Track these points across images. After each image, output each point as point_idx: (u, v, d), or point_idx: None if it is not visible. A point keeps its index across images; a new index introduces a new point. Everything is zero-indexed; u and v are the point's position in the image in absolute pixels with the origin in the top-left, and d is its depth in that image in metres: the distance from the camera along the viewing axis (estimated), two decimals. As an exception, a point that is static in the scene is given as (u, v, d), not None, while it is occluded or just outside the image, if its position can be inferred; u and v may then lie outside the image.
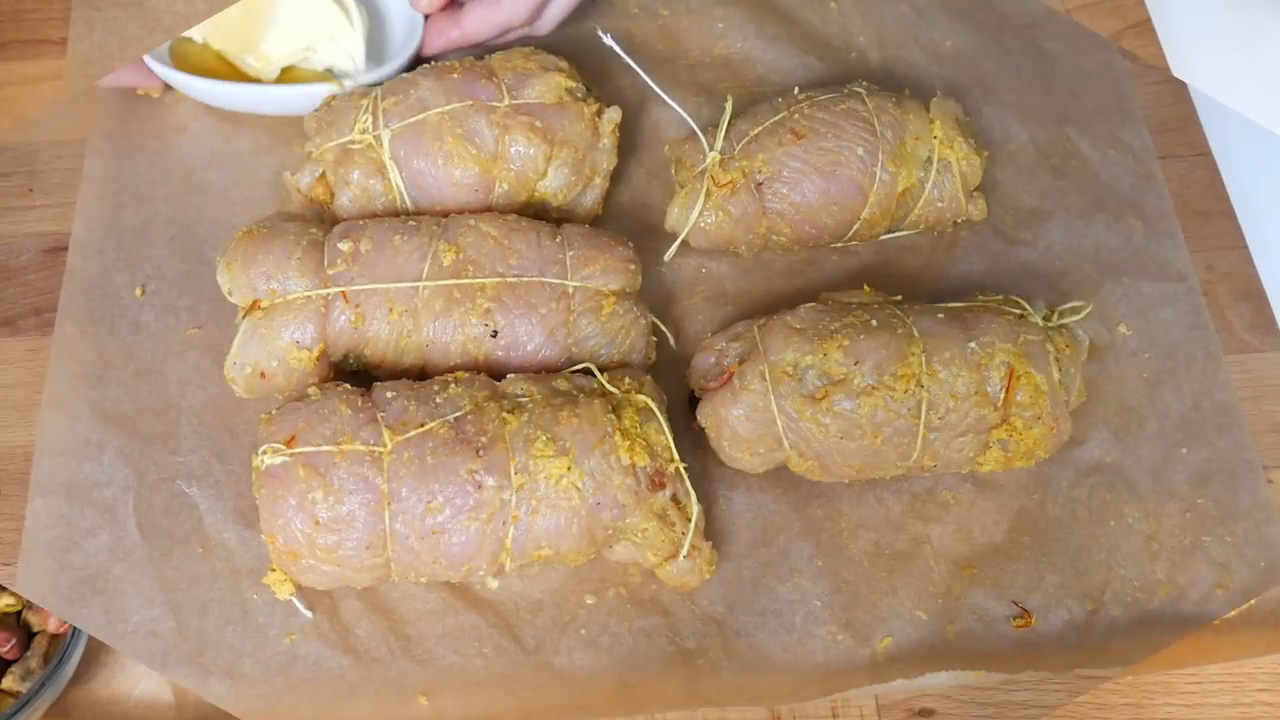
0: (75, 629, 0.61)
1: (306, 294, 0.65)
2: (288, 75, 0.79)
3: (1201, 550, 0.65)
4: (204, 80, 0.76)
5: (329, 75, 0.79)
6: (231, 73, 0.79)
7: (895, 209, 0.73)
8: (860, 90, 0.73)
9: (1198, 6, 0.87)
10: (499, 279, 0.66)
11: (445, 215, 0.70)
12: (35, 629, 0.62)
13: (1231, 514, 0.66)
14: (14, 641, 0.61)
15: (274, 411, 0.61)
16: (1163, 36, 0.85)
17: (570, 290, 0.66)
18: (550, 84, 0.72)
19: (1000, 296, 0.68)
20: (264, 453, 0.59)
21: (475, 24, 0.78)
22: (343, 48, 0.78)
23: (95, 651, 0.62)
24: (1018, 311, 0.66)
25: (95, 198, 0.76)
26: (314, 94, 0.75)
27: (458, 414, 0.60)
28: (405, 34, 0.81)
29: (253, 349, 0.65)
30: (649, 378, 0.65)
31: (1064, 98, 0.81)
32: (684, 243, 0.73)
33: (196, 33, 0.79)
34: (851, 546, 0.65)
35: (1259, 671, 0.62)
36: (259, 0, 0.78)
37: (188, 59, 0.79)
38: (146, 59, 0.75)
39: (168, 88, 0.79)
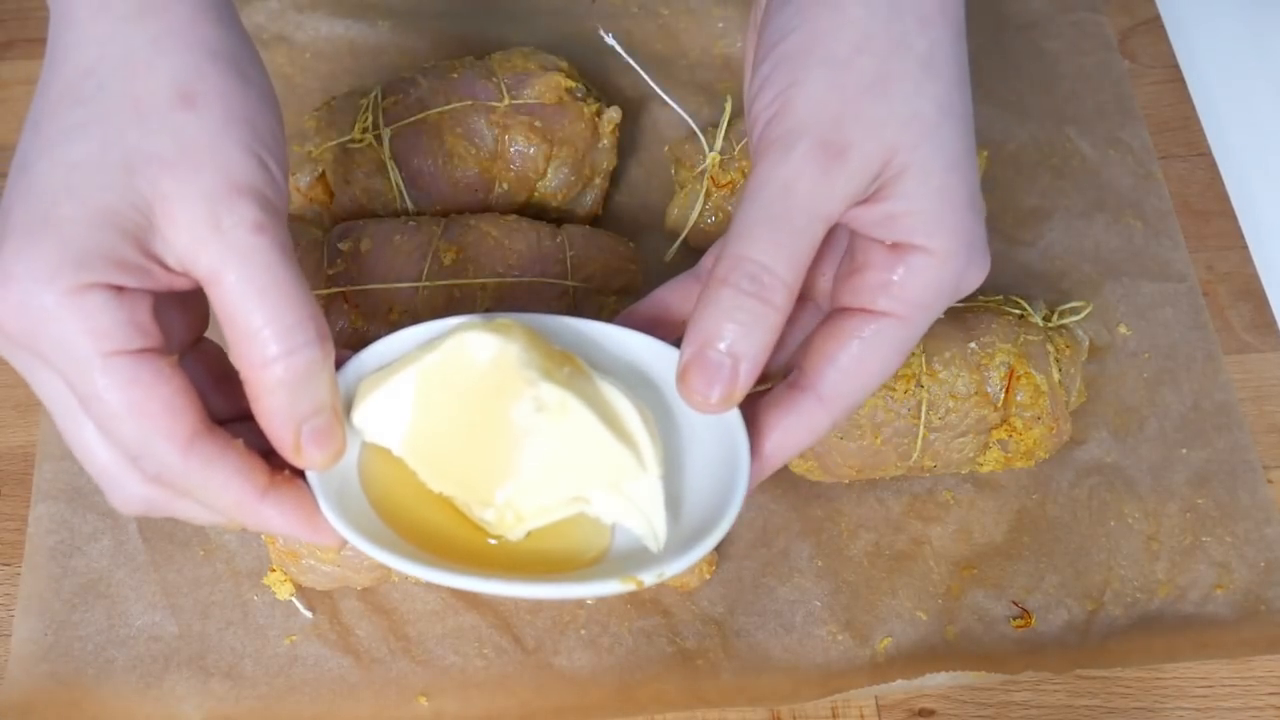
0: None
1: (306, 295, 0.65)
2: (541, 536, 0.48)
3: (1201, 550, 0.65)
4: (421, 567, 0.44)
5: (604, 531, 0.48)
6: (455, 521, 0.48)
7: (895, 209, 0.73)
8: (860, 90, 0.73)
9: (1209, 3, 0.87)
10: (499, 279, 0.66)
11: (445, 215, 0.70)
12: None
13: (1231, 514, 0.66)
14: None
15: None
16: (1172, 34, 0.85)
17: (571, 290, 0.66)
18: (550, 84, 0.72)
19: (1000, 297, 0.68)
20: (264, 454, 0.58)
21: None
22: (629, 497, 0.46)
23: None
24: (1018, 312, 0.66)
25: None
26: (586, 594, 0.45)
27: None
28: (719, 454, 0.48)
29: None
30: (649, 379, 0.64)
31: (1064, 98, 0.81)
32: (684, 243, 0.73)
33: (395, 442, 0.47)
34: (851, 547, 0.65)
35: (1270, 675, 0.62)
36: (499, 421, 0.46)
37: (376, 481, 0.47)
38: (331, 515, 0.44)
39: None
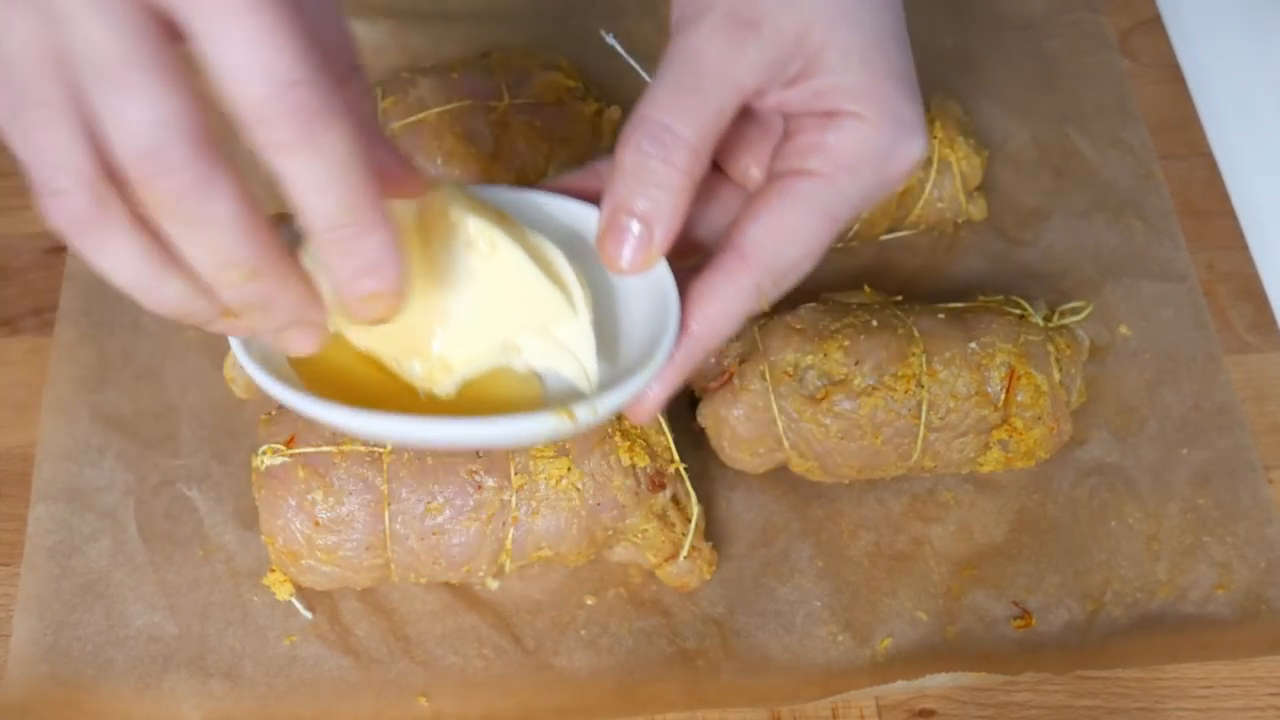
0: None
1: (306, 295, 0.65)
2: (473, 390, 0.48)
3: (1202, 550, 0.65)
4: (343, 410, 0.43)
5: (535, 382, 0.49)
6: (381, 381, 0.47)
7: (895, 209, 0.73)
8: (860, 90, 0.73)
9: (1209, 3, 0.87)
10: (499, 279, 0.66)
11: (445, 216, 0.70)
12: None
13: (1232, 514, 0.66)
14: None
15: (274, 412, 0.61)
16: (1172, 34, 0.85)
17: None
18: (550, 83, 0.72)
19: (1001, 297, 0.68)
20: (263, 453, 0.59)
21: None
22: (560, 342, 0.47)
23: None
24: (1018, 312, 0.66)
25: (95, 198, 0.75)
26: (522, 432, 0.45)
27: (458, 415, 0.59)
28: (651, 315, 0.49)
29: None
30: (649, 378, 0.64)
31: (1064, 98, 0.81)
32: (684, 243, 0.73)
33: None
34: (852, 547, 0.65)
35: (1271, 675, 0.62)
36: (426, 268, 0.45)
37: (310, 359, 0.45)
38: (242, 357, 0.45)
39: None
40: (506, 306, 0.46)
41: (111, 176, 0.37)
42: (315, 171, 0.37)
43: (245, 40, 0.35)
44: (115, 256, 0.39)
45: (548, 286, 0.45)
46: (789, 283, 0.49)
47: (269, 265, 0.39)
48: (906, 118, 0.47)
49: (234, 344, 0.44)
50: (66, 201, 0.38)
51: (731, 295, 0.47)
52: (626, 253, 0.46)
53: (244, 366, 0.44)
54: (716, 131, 0.45)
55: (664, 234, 0.45)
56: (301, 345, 0.43)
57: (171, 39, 0.36)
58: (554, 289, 0.46)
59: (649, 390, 0.47)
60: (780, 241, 0.47)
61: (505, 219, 0.46)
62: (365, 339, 0.46)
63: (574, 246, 0.48)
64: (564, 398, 0.47)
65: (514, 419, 0.44)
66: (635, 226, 0.45)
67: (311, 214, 0.38)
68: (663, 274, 0.47)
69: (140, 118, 0.36)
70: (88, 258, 0.40)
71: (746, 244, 0.47)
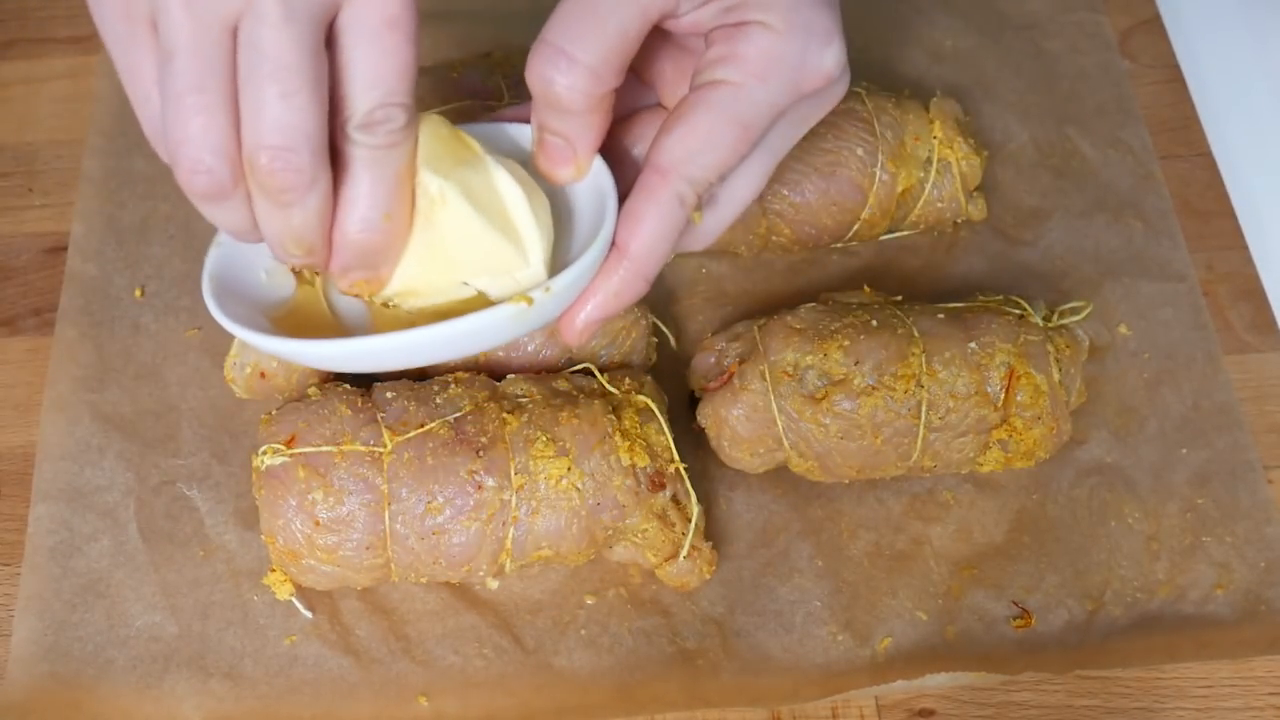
0: None
1: (306, 295, 0.65)
2: (433, 313, 0.51)
3: (1202, 550, 0.65)
4: (309, 343, 0.48)
5: (489, 299, 0.51)
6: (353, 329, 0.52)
7: (895, 209, 0.73)
8: (859, 90, 0.73)
9: (1209, 3, 0.87)
10: (499, 279, 0.66)
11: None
12: None
13: (1231, 514, 0.66)
14: None
15: (274, 412, 0.61)
16: (1172, 34, 0.85)
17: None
18: (550, 84, 0.72)
19: (1000, 297, 0.68)
20: (264, 453, 0.59)
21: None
22: (516, 281, 0.49)
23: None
24: (1018, 312, 0.66)
25: (94, 197, 0.75)
26: (485, 325, 0.48)
27: (458, 414, 0.60)
28: (593, 215, 0.52)
29: (252, 349, 0.65)
30: (649, 378, 0.65)
31: (1064, 98, 0.81)
32: (684, 243, 0.73)
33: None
34: (851, 547, 0.65)
35: (1270, 675, 0.62)
36: None
37: (287, 314, 0.53)
38: (208, 299, 0.50)
39: None
40: (459, 253, 0.49)
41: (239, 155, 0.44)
42: (372, 180, 0.46)
43: (383, 53, 0.44)
44: (228, 216, 0.46)
45: (496, 239, 0.48)
46: (717, 198, 0.51)
47: (323, 248, 0.47)
48: (817, 26, 0.48)
49: (207, 295, 0.50)
50: (210, 178, 0.44)
51: (655, 211, 0.49)
52: (554, 167, 0.51)
53: (211, 310, 0.49)
54: (620, 51, 0.47)
55: (585, 147, 0.50)
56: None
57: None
58: (505, 242, 0.49)
59: (583, 310, 0.50)
60: (693, 150, 0.48)
61: (472, 161, 0.49)
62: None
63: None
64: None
65: (475, 315, 0.47)
66: (557, 142, 0.50)
67: (345, 220, 0.46)
68: (602, 177, 0.51)
69: (286, 120, 0.42)
70: (208, 216, 0.47)
71: (663, 158, 0.49)
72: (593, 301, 0.50)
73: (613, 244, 0.50)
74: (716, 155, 0.49)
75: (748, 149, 0.49)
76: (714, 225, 0.53)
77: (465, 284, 0.50)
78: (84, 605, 0.63)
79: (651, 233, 0.49)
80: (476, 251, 0.48)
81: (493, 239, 0.48)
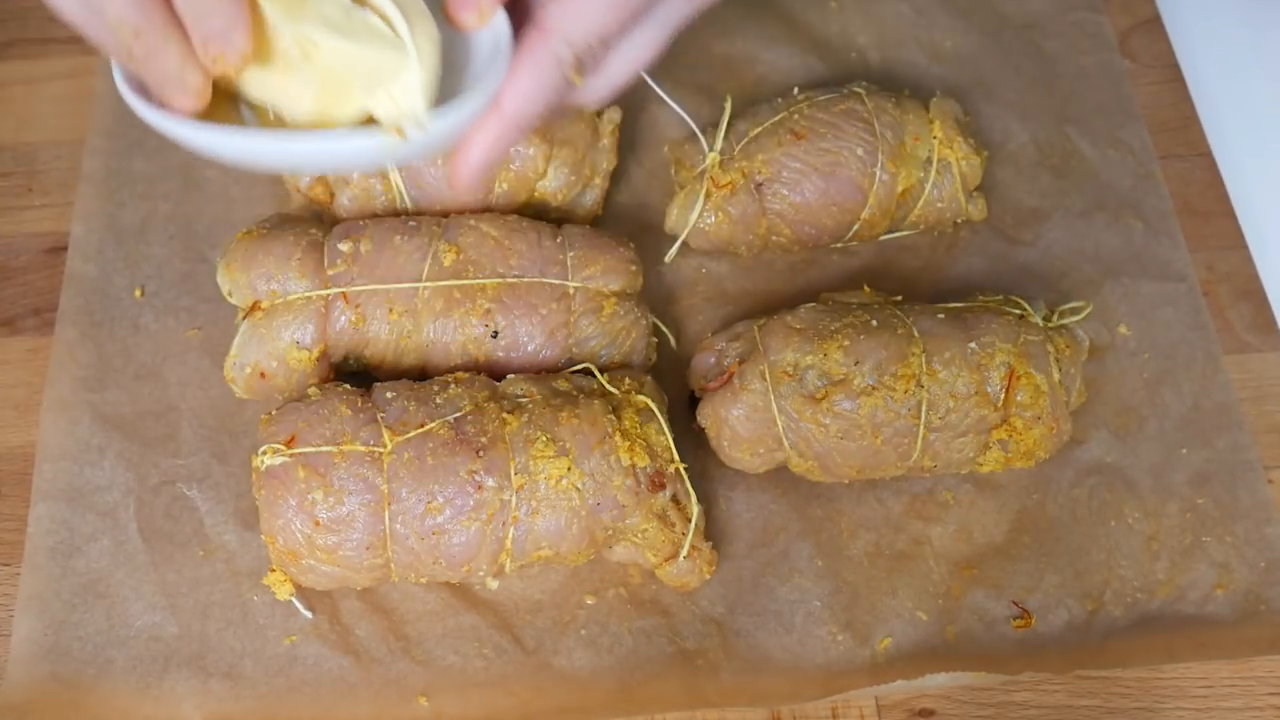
0: None
1: (306, 294, 0.65)
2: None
3: (1201, 550, 0.65)
4: (197, 126, 0.49)
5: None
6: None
7: (895, 209, 0.73)
8: (860, 90, 0.73)
9: (1209, 3, 0.87)
10: (499, 279, 0.66)
11: (445, 215, 0.70)
12: None
13: (1231, 514, 0.66)
14: None
15: (274, 412, 0.61)
16: (1172, 34, 0.85)
17: (571, 291, 0.66)
18: (550, 84, 0.72)
19: (1000, 297, 0.68)
20: (264, 453, 0.59)
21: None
22: (394, 96, 0.50)
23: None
24: (1018, 312, 0.66)
25: (94, 197, 0.75)
26: (358, 148, 0.50)
27: (458, 414, 0.60)
28: (485, 62, 0.53)
29: (253, 349, 0.65)
30: (649, 378, 0.65)
31: (1064, 98, 0.81)
32: (684, 243, 0.73)
33: None
34: (851, 547, 0.65)
35: (1270, 675, 0.62)
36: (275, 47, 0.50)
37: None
38: (120, 83, 0.50)
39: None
40: (348, 77, 0.50)
41: None
42: None
43: None
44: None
45: (374, 51, 0.49)
46: (607, 63, 0.52)
47: (153, 28, 0.46)
48: None
49: (117, 77, 0.50)
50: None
51: (532, 68, 0.50)
52: (459, 10, 0.51)
53: (121, 92, 0.50)
54: None
55: None
56: (180, 102, 0.48)
57: None
58: (380, 49, 0.49)
59: (468, 151, 0.51)
60: (572, 13, 0.50)
61: None
62: (255, 91, 0.51)
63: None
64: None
65: (352, 131, 0.50)
66: None
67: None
68: (502, 33, 0.52)
69: None
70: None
71: (544, 17, 0.50)
72: (471, 150, 0.51)
73: None
74: (597, 20, 0.50)
75: (627, 16, 0.51)
76: (602, 88, 0.54)
77: (368, 115, 0.51)
78: (84, 605, 0.63)
79: (526, 88, 0.50)
80: (361, 68, 0.50)
81: (370, 52, 0.49)
